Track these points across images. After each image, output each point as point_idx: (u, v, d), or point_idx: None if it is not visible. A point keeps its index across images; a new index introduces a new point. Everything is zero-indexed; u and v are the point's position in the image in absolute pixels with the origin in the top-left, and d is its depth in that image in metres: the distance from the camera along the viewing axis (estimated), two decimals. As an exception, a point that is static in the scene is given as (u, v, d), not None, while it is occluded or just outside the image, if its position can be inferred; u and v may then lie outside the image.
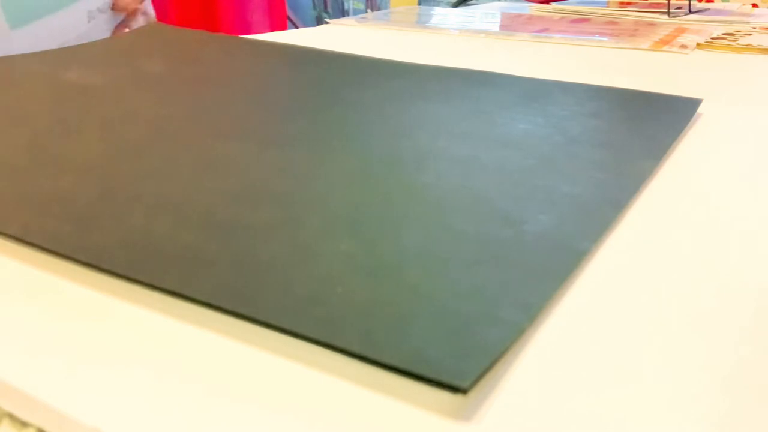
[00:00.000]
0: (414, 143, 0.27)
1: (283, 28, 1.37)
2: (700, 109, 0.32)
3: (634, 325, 0.16)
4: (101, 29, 0.99)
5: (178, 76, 0.37)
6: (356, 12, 1.88)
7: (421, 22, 0.66)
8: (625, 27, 0.63)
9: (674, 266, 0.18)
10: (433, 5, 1.33)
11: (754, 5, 0.85)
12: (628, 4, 0.81)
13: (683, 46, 0.53)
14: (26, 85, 0.36)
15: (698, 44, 0.54)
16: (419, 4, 1.51)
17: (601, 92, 0.35)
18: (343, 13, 1.90)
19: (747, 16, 0.74)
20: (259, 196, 0.21)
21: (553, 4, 0.80)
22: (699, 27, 0.64)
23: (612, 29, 0.62)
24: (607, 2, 0.84)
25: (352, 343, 0.14)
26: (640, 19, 0.70)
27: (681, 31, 0.61)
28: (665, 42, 0.54)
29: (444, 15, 0.74)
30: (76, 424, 0.12)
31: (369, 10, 1.84)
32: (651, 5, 0.77)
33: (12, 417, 0.13)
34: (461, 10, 0.78)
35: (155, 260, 0.17)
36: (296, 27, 1.56)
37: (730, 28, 0.64)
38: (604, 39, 0.55)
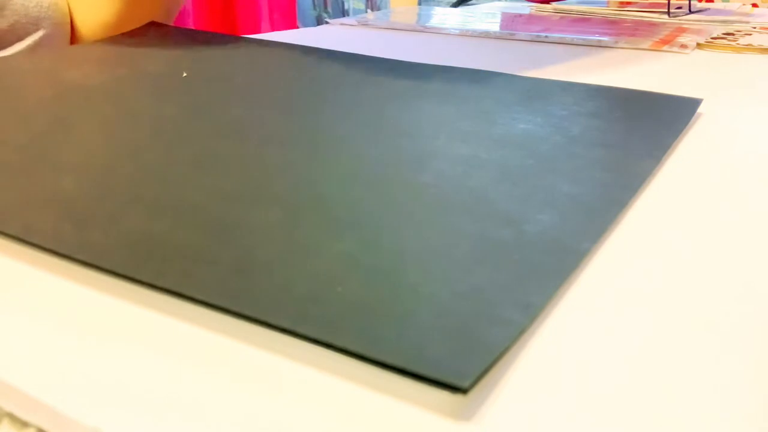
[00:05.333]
0: (414, 143, 0.27)
1: (293, 26, 1.38)
2: (700, 109, 0.32)
3: (633, 325, 0.16)
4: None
5: (178, 75, 0.37)
6: (356, 12, 1.88)
7: (421, 22, 0.66)
8: (625, 27, 0.63)
9: (674, 266, 0.18)
10: (433, 5, 1.33)
11: (754, 5, 0.85)
12: (628, 3, 0.81)
13: (683, 46, 0.53)
14: (26, 85, 0.36)
15: (698, 44, 0.54)
16: (419, 4, 1.51)
17: (601, 92, 0.35)
18: (343, 13, 1.91)
19: (747, 16, 0.74)
20: (259, 196, 0.21)
21: (553, 4, 0.80)
22: (699, 27, 0.64)
23: (612, 29, 0.62)
24: (607, 2, 0.84)
25: (352, 343, 0.14)
26: (640, 18, 0.70)
27: (681, 30, 0.61)
28: (665, 42, 0.54)
29: (444, 15, 0.74)
30: (76, 424, 0.12)
31: (369, 10, 1.84)
32: (651, 5, 0.77)
33: (12, 417, 0.13)
34: (461, 10, 0.78)
35: (155, 260, 0.17)
36: (296, 27, 1.56)
37: (730, 28, 0.64)
38: (604, 39, 0.55)
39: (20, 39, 0.47)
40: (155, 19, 0.50)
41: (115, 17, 0.50)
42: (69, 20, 0.50)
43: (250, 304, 0.15)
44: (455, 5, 0.86)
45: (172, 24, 0.55)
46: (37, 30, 0.47)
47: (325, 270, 0.16)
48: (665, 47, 0.52)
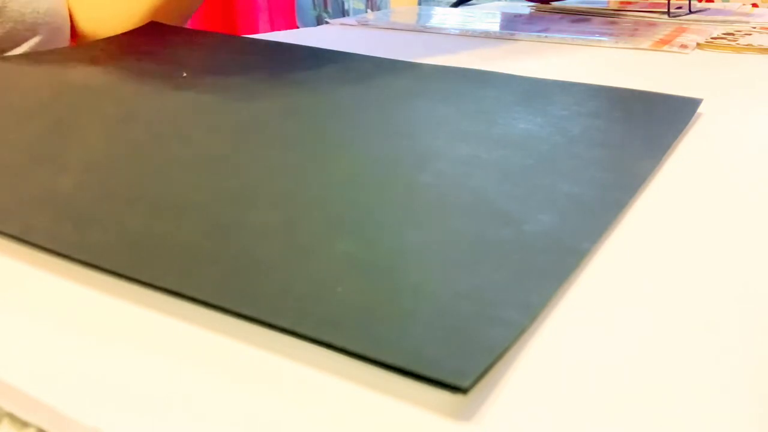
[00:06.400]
0: (414, 143, 0.27)
1: (293, 26, 1.39)
2: (700, 109, 0.32)
3: (634, 325, 0.16)
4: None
5: (178, 75, 0.37)
6: (356, 12, 1.88)
7: (421, 22, 0.66)
8: (625, 27, 0.63)
9: (674, 266, 0.18)
10: (433, 5, 1.33)
11: (754, 5, 0.85)
12: (628, 3, 0.81)
13: (683, 46, 0.53)
14: (26, 85, 0.36)
15: (698, 44, 0.54)
16: (419, 4, 1.51)
17: (601, 92, 0.35)
18: (343, 13, 1.90)
19: (747, 16, 0.74)
20: (259, 196, 0.21)
21: (553, 4, 0.80)
22: (699, 27, 0.64)
23: (612, 29, 0.62)
24: (607, 2, 0.84)
25: (352, 343, 0.14)
26: (640, 18, 0.70)
27: (681, 30, 0.61)
28: (665, 42, 0.54)
29: (444, 15, 0.74)
30: (76, 424, 0.12)
31: (369, 10, 1.84)
32: (651, 5, 0.77)
33: (12, 417, 0.13)
34: (461, 10, 0.78)
35: (155, 260, 0.17)
36: (296, 27, 1.56)
37: (730, 28, 0.64)
38: (604, 39, 0.55)
39: (17, 45, 0.47)
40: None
41: (125, 26, 0.50)
42: (68, 25, 0.50)
43: (250, 304, 0.15)
44: (455, 5, 0.86)
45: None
46: (33, 36, 0.47)
47: (325, 270, 0.16)
48: (665, 47, 0.52)
